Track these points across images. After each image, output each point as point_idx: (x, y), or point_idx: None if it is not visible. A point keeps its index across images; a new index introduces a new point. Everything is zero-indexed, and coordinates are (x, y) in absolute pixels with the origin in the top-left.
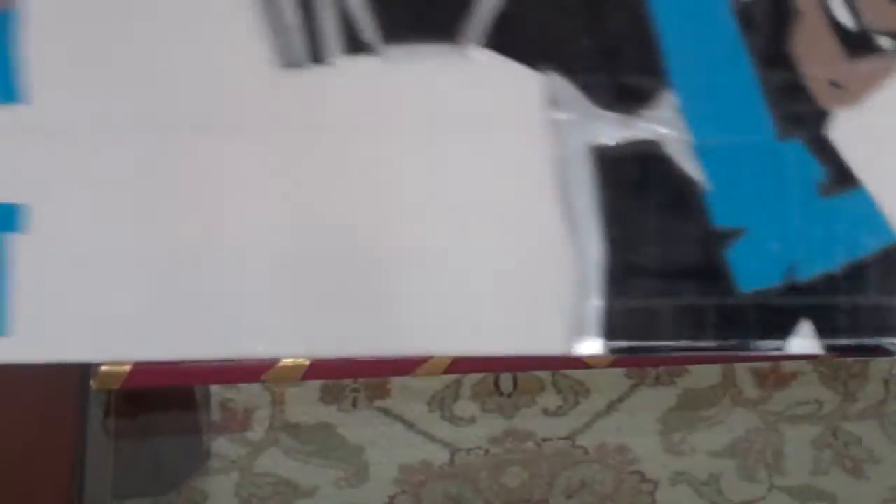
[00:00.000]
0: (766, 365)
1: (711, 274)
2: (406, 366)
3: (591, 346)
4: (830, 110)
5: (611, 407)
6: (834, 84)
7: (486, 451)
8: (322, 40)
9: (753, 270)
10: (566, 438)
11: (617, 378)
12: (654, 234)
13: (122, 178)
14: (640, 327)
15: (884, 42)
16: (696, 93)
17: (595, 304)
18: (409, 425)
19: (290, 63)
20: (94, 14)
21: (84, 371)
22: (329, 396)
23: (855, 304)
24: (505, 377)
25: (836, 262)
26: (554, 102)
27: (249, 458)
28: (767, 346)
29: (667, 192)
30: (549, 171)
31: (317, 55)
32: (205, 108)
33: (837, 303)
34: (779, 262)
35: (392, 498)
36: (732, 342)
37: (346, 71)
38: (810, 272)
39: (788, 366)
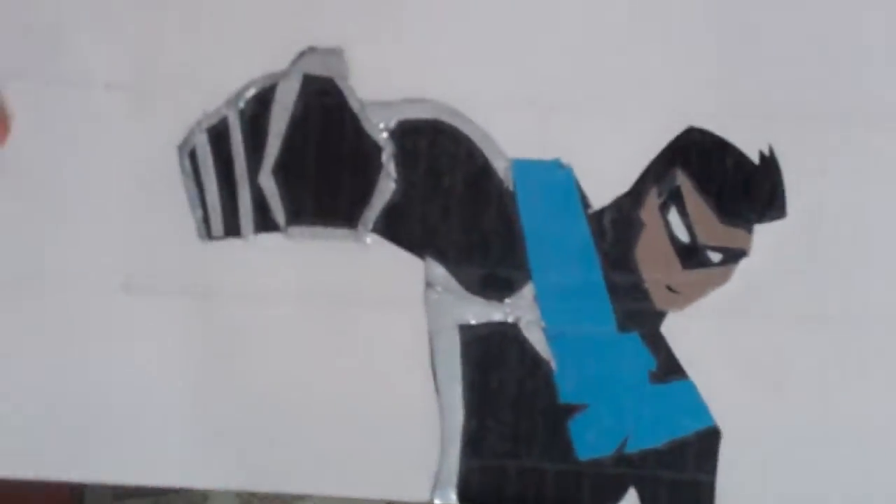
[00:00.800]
0: None
1: (555, 442)
2: None
3: (449, 497)
4: (665, 311)
5: None
6: (669, 289)
7: None
8: (237, 217)
9: (590, 442)
10: None
11: None
12: (508, 403)
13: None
14: (491, 483)
15: (713, 256)
16: (552, 286)
17: (454, 460)
18: None
19: (210, 235)
20: None
21: None
22: None
23: (675, 479)
24: None
25: (661, 439)
26: (431, 284)
27: None
28: None
29: (521, 369)
30: (422, 343)
31: (233, 230)
32: (132, 269)
33: (660, 475)
34: (613, 436)
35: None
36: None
37: (257, 245)
38: (639, 447)
39: None
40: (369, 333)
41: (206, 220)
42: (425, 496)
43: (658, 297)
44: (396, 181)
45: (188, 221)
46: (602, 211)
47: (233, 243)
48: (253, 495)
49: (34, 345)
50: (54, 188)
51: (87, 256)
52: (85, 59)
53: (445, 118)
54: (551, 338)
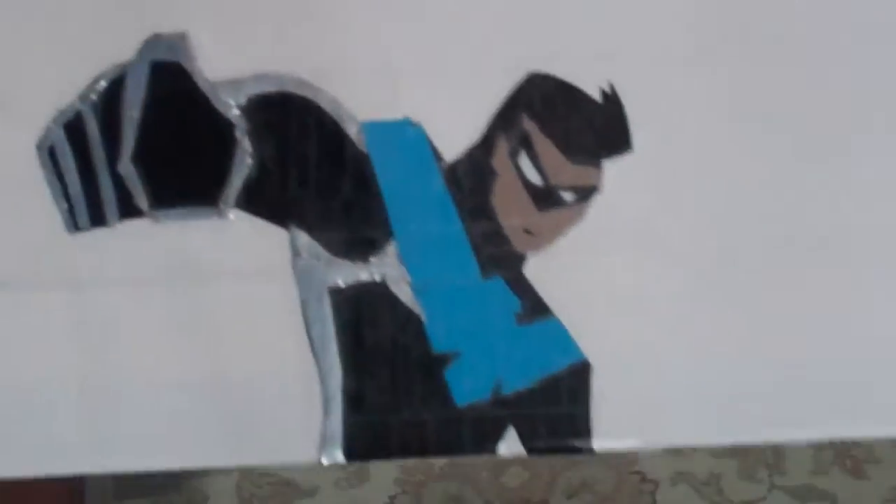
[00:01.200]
0: None
1: (432, 392)
2: None
3: (335, 456)
4: (525, 253)
5: None
6: (527, 232)
7: None
8: (102, 207)
9: (466, 388)
10: None
11: None
12: (384, 359)
13: None
14: (375, 438)
15: (566, 196)
16: (414, 241)
17: (337, 420)
18: None
19: (76, 227)
20: None
21: None
22: None
23: (550, 414)
24: None
25: (534, 378)
26: (297, 252)
27: None
28: (481, 450)
29: (393, 325)
30: (295, 310)
31: (98, 220)
32: (5, 268)
33: (536, 413)
34: (487, 380)
35: (392, 498)
36: (454, 449)
37: (123, 232)
38: (513, 387)
39: None
40: (241, 306)
41: (71, 212)
42: (313, 457)
43: (517, 241)
44: (252, 156)
45: (55, 216)
46: (455, 163)
47: (100, 233)
48: (253, 495)
49: None
50: None
51: None
52: None
53: (293, 89)
54: (418, 291)
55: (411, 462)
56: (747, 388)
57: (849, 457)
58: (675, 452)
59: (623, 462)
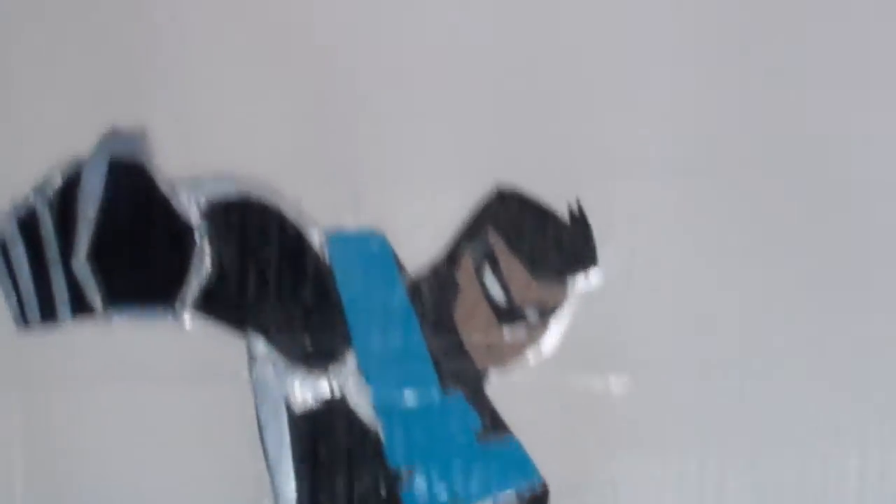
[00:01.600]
0: None
1: None
2: None
3: None
4: (487, 369)
5: None
6: (489, 348)
7: None
8: (53, 303)
9: None
10: None
11: None
12: (340, 473)
13: None
14: None
15: (530, 313)
16: (373, 353)
17: None
18: None
19: (25, 323)
20: None
21: None
22: None
23: None
24: None
25: (491, 496)
26: (253, 358)
27: None
28: None
29: (350, 440)
30: (250, 417)
31: (49, 316)
32: None
33: None
34: (443, 497)
35: None
36: None
37: (75, 330)
38: None
39: None
40: (195, 411)
41: (21, 307)
42: None
43: (479, 357)
44: (211, 259)
45: (5, 313)
46: (419, 277)
47: (51, 330)
48: None
49: None
50: None
51: None
52: None
53: (255, 193)
54: (377, 406)
55: None
56: None
57: None
58: None
59: None
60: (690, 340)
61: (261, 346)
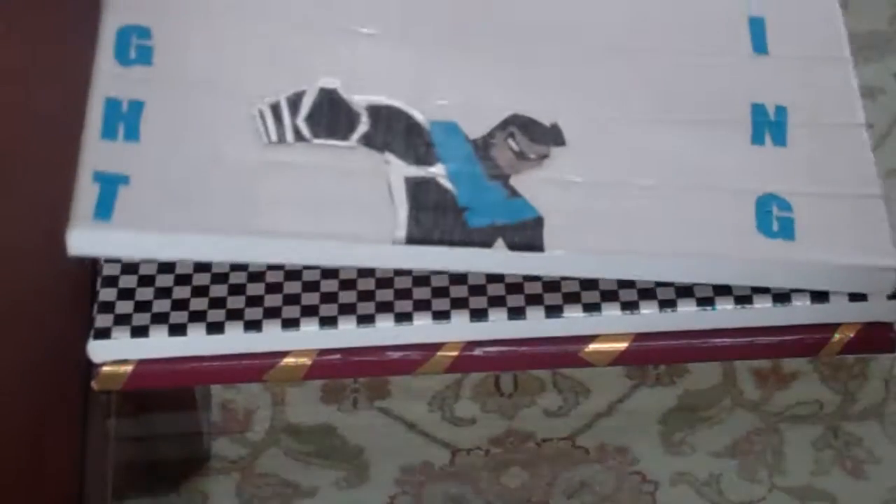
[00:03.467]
0: (766, 365)
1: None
2: (406, 365)
3: None
4: (510, 175)
5: (611, 407)
6: (511, 168)
7: (487, 452)
8: None
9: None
10: (566, 439)
11: (617, 378)
12: None
13: None
14: None
15: (532, 156)
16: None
17: None
18: (410, 426)
19: None
20: None
21: (85, 371)
22: (329, 397)
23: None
24: (505, 378)
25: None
26: None
27: (250, 458)
28: None
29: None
30: None
31: None
32: None
33: None
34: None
35: (392, 498)
36: None
37: None
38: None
39: (788, 366)
40: None
41: None
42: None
43: (507, 170)
44: None
45: None
46: (474, 139)
47: None
48: (254, 495)
49: None
50: None
51: None
52: None
53: None
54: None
55: (411, 462)
56: None
57: (849, 457)
58: (676, 453)
59: (623, 462)
60: None
61: None
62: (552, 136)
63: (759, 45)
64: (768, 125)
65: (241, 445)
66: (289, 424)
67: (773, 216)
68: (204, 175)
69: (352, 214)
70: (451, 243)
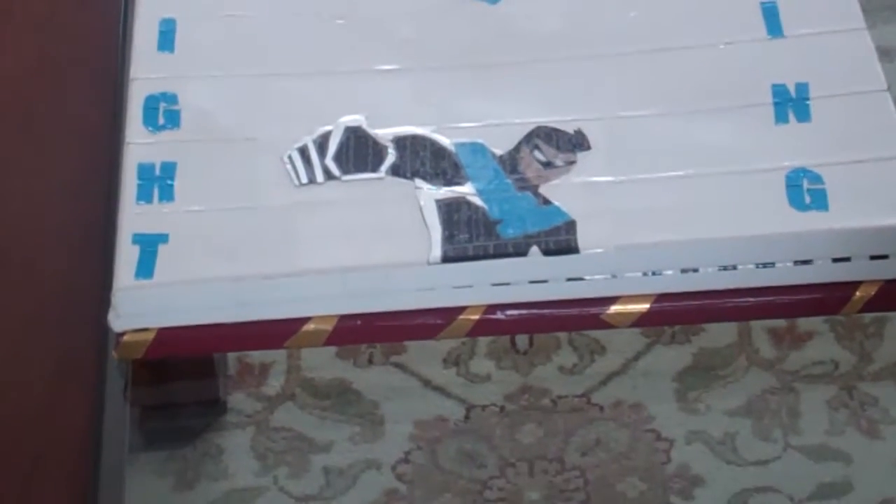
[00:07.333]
0: (781, 324)
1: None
2: (427, 330)
3: None
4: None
5: (626, 365)
6: (538, 177)
7: (502, 408)
8: None
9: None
10: (581, 396)
11: (633, 336)
12: None
13: None
14: None
15: (559, 163)
16: (480, 182)
17: None
18: (425, 382)
19: None
20: None
21: (102, 331)
22: (345, 352)
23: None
24: (521, 335)
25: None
26: None
27: (265, 412)
28: None
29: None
30: None
31: None
32: None
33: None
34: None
35: (407, 453)
36: None
37: None
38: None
39: (804, 325)
40: None
41: None
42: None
43: (534, 181)
44: None
45: None
46: (500, 155)
47: None
48: (268, 449)
49: None
50: None
51: None
52: None
53: None
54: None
55: (426, 418)
56: None
57: (864, 417)
58: (691, 411)
59: (638, 420)
60: None
61: None
62: (577, 142)
63: (774, 28)
64: (791, 103)
65: (257, 399)
66: (304, 379)
67: (803, 190)
68: (240, 223)
69: (388, 242)
70: (486, 257)
